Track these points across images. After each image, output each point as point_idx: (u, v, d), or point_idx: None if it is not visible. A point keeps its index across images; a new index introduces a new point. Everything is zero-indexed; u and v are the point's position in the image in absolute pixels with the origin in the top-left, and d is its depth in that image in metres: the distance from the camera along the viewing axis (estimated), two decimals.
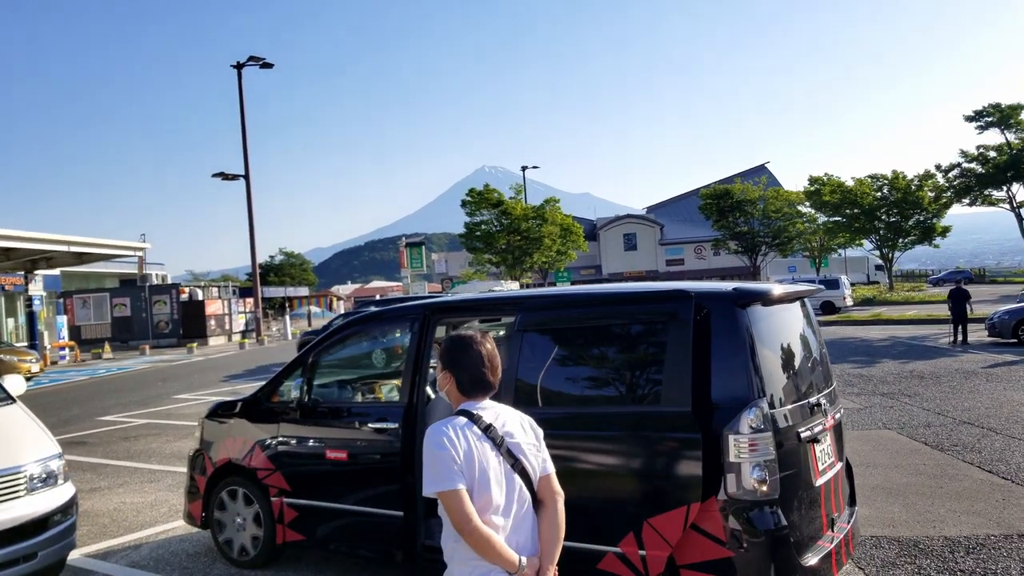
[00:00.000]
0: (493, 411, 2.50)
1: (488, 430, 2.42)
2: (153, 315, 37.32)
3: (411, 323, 4.96)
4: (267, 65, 34.64)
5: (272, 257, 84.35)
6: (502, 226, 45.47)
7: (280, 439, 5.31)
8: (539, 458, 2.52)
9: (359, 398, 5.57)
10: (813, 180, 45.16)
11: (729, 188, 48.08)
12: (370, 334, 5.83)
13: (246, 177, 35.54)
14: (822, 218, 47.83)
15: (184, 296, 37.69)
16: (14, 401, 5.55)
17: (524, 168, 55.15)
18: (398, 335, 5.70)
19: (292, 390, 5.40)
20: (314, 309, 65.19)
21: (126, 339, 36.60)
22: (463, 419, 2.43)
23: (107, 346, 32.64)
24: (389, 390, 5.49)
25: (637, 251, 73.56)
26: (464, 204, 46.49)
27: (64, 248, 23.60)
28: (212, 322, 37.61)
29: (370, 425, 4.87)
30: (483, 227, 46.20)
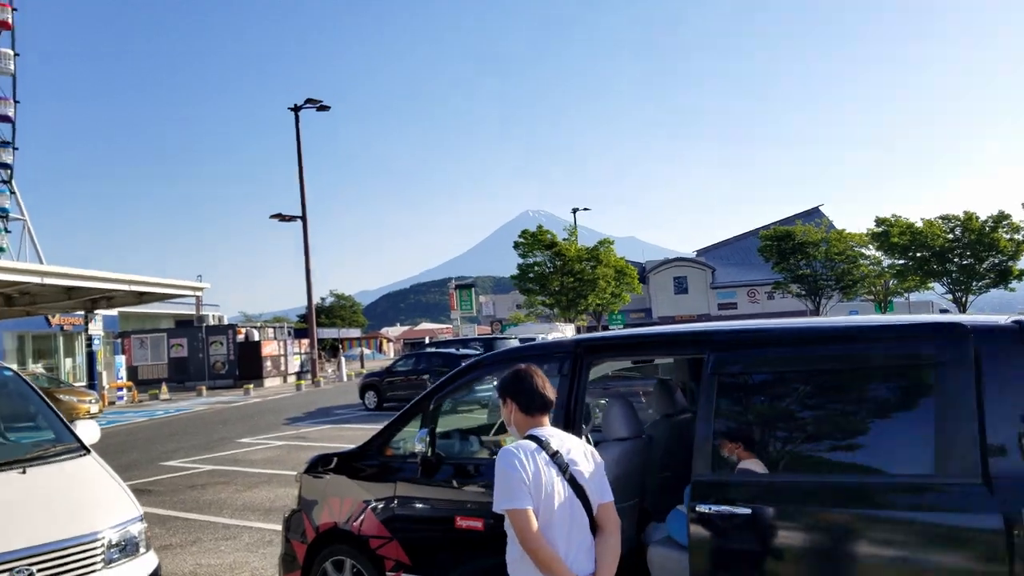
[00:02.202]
0: (559, 439, 2.74)
1: (555, 456, 2.65)
2: (210, 356, 37.15)
3: (559, 363, 4.11)
4: (323, 108, 34.77)
5: (323, 299, 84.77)
6: (555, 268, 44.72)
7: (398, 501, 4.46)
8: (600, 486, 2.73)
9: (488, 453, 4.71)
10: (880, 221, 43.49)
11: (790, 230, 46.69)
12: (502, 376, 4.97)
13: (303, 219, 35.49)
14: (887, 261, 46.08)
15: (241, 337, 37.50)
16: (88, 452, 4.81)
17: (575, 210, 54.56)
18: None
19: (410, 442, 4.57)
20: (365, 351, 64.89)
21: (182, 380, 36.43)
22: (533, 444, 2.66)
23: (164, 387, 32.45)
24: None
25: (688, 294, 72.09)
26: (517, 245, 45.88)
27: (126, 287, 23.44)
28: (268, 363, 37.29)
29: None
30: (536, 268, 45.49)
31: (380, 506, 4.52)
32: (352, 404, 23.21)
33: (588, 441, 3.31)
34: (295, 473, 5.27)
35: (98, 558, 4.04)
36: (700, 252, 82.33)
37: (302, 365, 40.55)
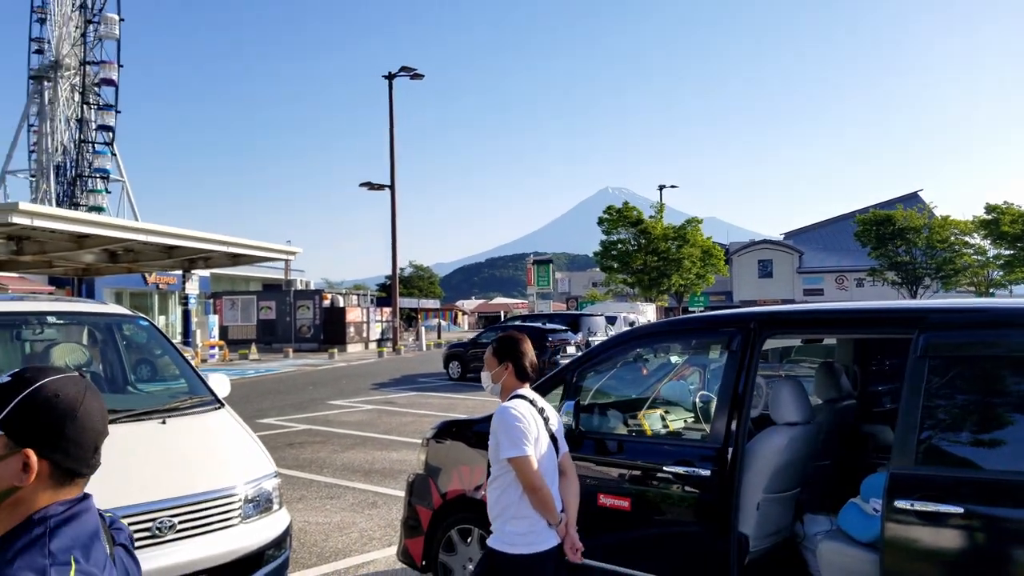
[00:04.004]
0: (540, 399, 3.24)
1: (542, 412, 3.15)
2: (297, 319, 38.05)
3: (728, 338, 3.79)
4: (417, 76, 34.79)
5: (402, 269, 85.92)
6: (640, 246, 43.96)
7: None
8: (563, 438, 3.27)
9: (647, 430, 4.43)
10: (991, 208, 41.11)
11: (890, 214, 44.63)
12: (657, 350, 4.68)
13: (391, 188, 35.76)
14: (992, 250, 43.60)
15: (326, 302, 38.27)
16: (222, 405, 4.76)
17: (662, 187, 53.40)
18: (700, 353, 4.54)
19: None
20: (442, 322, 65.53)
21: (269, 341, 37.44)
22: (525, 402, 3.14)
23: (253, 347, 33.39)
24: (677, 422, 4.34)
25: (772, 279, 70.04)
26: (601, 221, 45.28)
27: (222, 248, 24.05)
28: (351, 329, 37.97)
29: (667, 469, 3.73)
30: (620, 246, 44.82)
31: None
32: (435, 373, 23.34)
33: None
34: (420, 438, 5.12)
35: (235, 513, 3.97)
36: (787, 235, 79.82)
37: (383, 333, 41.16)
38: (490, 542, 3.10)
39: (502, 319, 54.31)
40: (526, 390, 3.21)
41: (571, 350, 19.73)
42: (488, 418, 4.77)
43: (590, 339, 21.06)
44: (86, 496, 1.38)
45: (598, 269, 54.56)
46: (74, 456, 1.35)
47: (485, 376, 3.33)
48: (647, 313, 37.95)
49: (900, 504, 2.93)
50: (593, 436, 4.15)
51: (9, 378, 1.35)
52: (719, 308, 54.70)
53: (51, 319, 5.02)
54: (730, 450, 3.55)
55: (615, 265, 45.05)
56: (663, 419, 4.34)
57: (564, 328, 21.33)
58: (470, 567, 4.51)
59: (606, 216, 45.01)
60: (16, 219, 15.89)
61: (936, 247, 42.88)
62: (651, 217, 45.08)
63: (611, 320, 25.70)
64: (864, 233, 45.17)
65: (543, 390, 4.52)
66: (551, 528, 3.04)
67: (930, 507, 2.87)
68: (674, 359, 5.07)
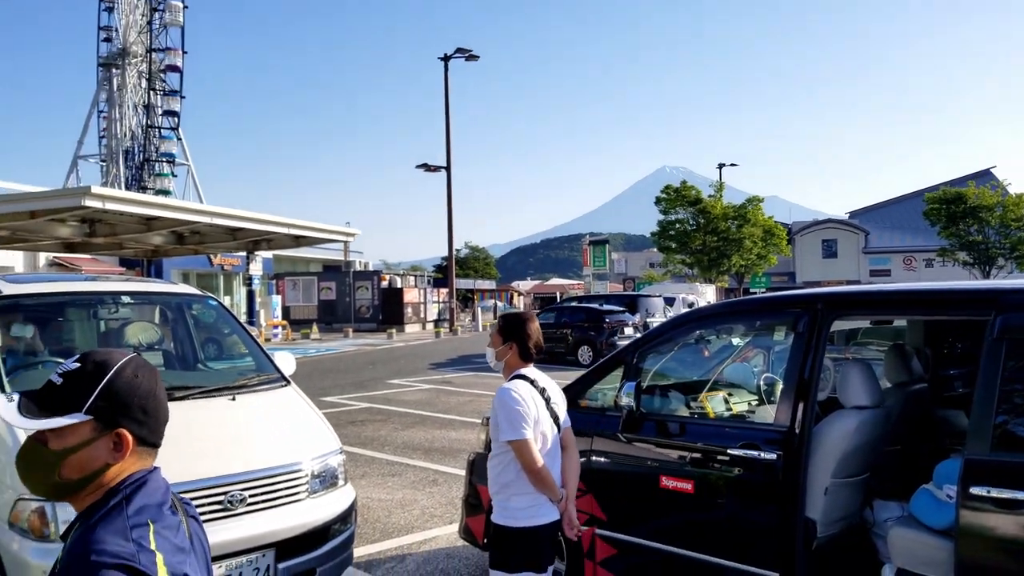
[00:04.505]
0: (541, 378, 3.29)
1: (543, 392, 3.22)
2: (356, 300, 38.69)
3: (793, 319, 3.72)
4: (472, 57, 34.79)
5: (458, 250, 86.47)
6: (699, 225, 43.28)
7: (594, 454, 4.25)
8: (565, 414, 3.34)
9: (709, 412, 4.39)
10: None
11: (962, 191, 42.91)
12: (719, 331, 4.62)
13: (447, 169, 35.92)
14: None
15: (384, 283, 38.81)
16: (288, 383, 4.88)
17: (721, 165, 52.42)
18: (764, 335, 4.47)
19: (609, 395, 4.33)
20: (498, 303, 65.80)
21: (330, 321, 38.17)
22: (526, 382, 3.19)
23: (314, 327, 34.09)
24: (741, 405, 4.28)
25: (837, 259, 68.22)
26: (659, 201, 44.69)
27: (285, 230, 24.49)
28: (409, 310, 38.45)
29: (731, 452, 3.68)
30: (678, 226, 44.21)
31: None
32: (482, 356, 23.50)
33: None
34: (480, 418, 5.17)
35: (302, 487, 4.07)
36: (853, 214, 77.57)
37: (440, 313, 41.58)
38: (494, 518, 3.20)
39: (558, 300, 54.24)
40: (528, 369, 3.28)
41: (629, 331, 19.62)
42: None
43: (648, 320, 20.89)
44: (156, 467, 1.47)
45: (655, 250, 53.89)
46: (153, 430, 1.45)
47: (489, 353, 3.40)
48: (706, 294, 37.41)
49: (976, 491, 2.84)
50: (654, 418, 4.12)
51: (77, 364, 1.41)
52: (781, 289, 53.51)
53: (125, 299, 5.20)
54: (797, 433, 3.49)
55: (673, 245, 44.45)
56: (726, 401, 4.28)
57: (621, 309, 21.20)
58: None
59: (664, 195, 44.40)
60: (89, 202, 16.44)
61: (1010, 226, 41.09)
62: (710, 196, 44.29)
63: (669, 301, 25.43)
64: (934, 212, 43.53)
65: (602, 372, 4.52)
66: (553, 503, 3.17)
67: (1007, 494, 2.77)
68: (736, 341, 4.99)
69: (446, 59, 35.33)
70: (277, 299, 35.95)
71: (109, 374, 1.40)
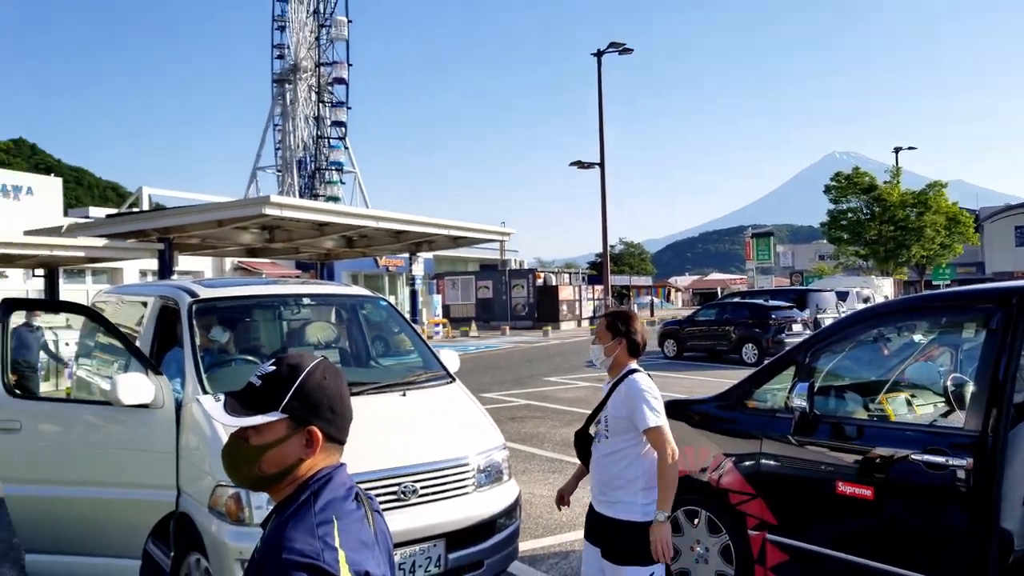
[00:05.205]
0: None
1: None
2: (512, 298, 39.45)
3: (986, 316, 3.41)
4: (627, 51, 34.36)
5: (612, 246, 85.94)
6: (873, 214, 40.55)
7: (764, 457, 4.09)
8: None
9: (890, 415, 4.12)
10: None
11: None
12: (901, 328, 4.33)
13: (601, 166, 35.76)
14: None
15: (539, 281, 39.29)
16: (454, 379, 5.04)
17: (897, 149, 48.76)
18: (952, 332, 4.14)
19: (779, 396, 4.15)
20: (654, 300, 64.88)
21: (487, 319, 39.15)
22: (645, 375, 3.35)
23: (473, 325, 35.08)
24: (926, 407, 3.97)
25: None
26: (828, 189, 42.27)
27: (444, 232, 25.37)
28: (564, 307, 38.72)
29: (916, 457, 3.43)
30: (850, 215, 41.64)
31: (743, 461, 4.19)
32: (649, 351, 23.13)
33: None
34: None
35: (469, 481, 4.20)
36: None
37: (595, 310, 41.55)
38: (624, 515, 3.17)
39: (718, 295, 52.66)
40: (637, 365, 3.34)
41: (797, 328, 18.70)
42: (710, 399, 4.70)
43: (818, 317, 19.78)
44: (342, 464, 1.57)
45: (825, 241, 51.12)
46: (339, 428, 1.56)
47: (596, 349, 3.41)
48: (883, 288, 35.00)
49: None
50: (829, 420, 3.91)
51: (273, 368, 1.54)
52: (968, 281, 49.17)
53: (306, 300, 5.58)
54: (990, 439, 3.20)
55: (845, 236, 41.90)
56: (909, 403, 3.98)
57: (788, 305, 20.24)
58: (698, 548, 4.46)
59: (834, 183, 41.93)
60: (268, 210, 17.79)
61: None
62: (886, 183, 41.36)
63: (842, 296, 23.91)
64: None
65: (771, 372, 4.34)
66: None
67: None
68: (918, 338, 4.63)
69: (599, 54, 35.14)
70: (438, 298, 37.30)
71: (301, 376, 1.52)
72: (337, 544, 1.38)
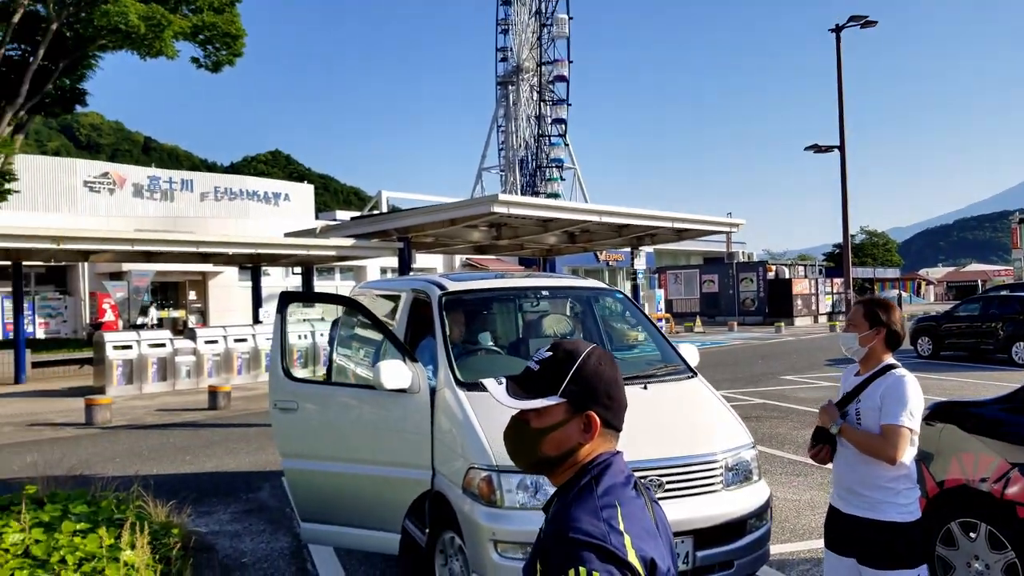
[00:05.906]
0: None
1: None
2: (740, 292, 37.91)
3: None
4: (869, 23, 31.68)
5: (853, 236, 79.76)
6: None
7: None
8: None
9: None
10: None
11: None
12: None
13: (841, 149, 33.28)
14: None
15: (770, 274, 37.42)
16: (695, 374, 4.89)
17: None
18: None
19: None
20: (903, 294, 59.31)
21: (712, 314, 37.94)
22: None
23: (698, 320, 34.17)
24: None
25: None
26: None
27: (668, 224, 24.84)
28: (798, 301, 36.56)
29: None
30: None
31: None
32: (900, 349, 21.21)
33: None
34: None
35: (717, 479, 4.04)
36: None
37: (834, 305, 38.81)
38: (885, 515, 2.94)
39: (980, 289, 47.07)
40: (895, 360, 3.12)
41: None
42: (990, 401, 4.18)
43: None
44: (619, 451, 1.55)
45: None
46: (616, 414, 1.54)
47: (850, 337, 3.16)
48: None
49: None
50: None
51: (550, 353, 1.55)
52: None
53: (544, 293, 5.69)
54: None
55: None
56: None
57: None
58: (976, 565, 3.98)
59: None
60: (496, 209, 18.47)
61: None
62: None
63: None
64: None
65: None
66: None
67: None
68: None
69: (838, 29, 32.71)
70: (660, 292, 36.81)
71: (578, 361, 1.51)
72: (622, 528, 1.36)
